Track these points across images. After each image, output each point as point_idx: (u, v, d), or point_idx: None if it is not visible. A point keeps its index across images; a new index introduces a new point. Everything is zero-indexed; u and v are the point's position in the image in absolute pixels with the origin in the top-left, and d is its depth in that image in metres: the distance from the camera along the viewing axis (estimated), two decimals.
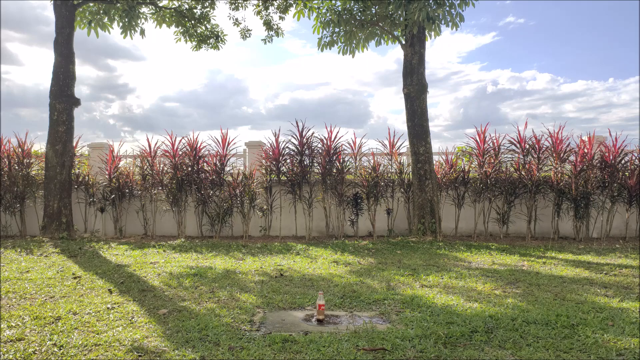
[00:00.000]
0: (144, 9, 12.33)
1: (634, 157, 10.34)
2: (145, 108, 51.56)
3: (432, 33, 10.41)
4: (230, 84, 54.35)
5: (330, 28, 11.15)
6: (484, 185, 10.42)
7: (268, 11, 12.78)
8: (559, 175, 10.15)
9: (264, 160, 10.82)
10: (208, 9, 12.65)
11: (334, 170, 10.58)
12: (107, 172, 11.12)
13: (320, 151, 10.67)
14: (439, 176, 10.76)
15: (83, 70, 62.26)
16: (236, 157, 11.73)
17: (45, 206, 10.53)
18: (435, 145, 13.96)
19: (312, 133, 10.67)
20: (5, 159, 10.97)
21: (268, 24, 12.97)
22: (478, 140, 10.74)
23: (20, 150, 11.13)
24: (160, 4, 12.36)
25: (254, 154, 11.52)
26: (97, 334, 4.13)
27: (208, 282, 6.09)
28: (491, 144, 10.75)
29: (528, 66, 50.05)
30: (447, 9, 9.73)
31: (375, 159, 10.98)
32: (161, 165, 11.09)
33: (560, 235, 10.61)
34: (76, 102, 10.87)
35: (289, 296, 5.42)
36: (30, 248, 8.86)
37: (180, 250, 8.74)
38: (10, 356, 3.63)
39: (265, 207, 10.74)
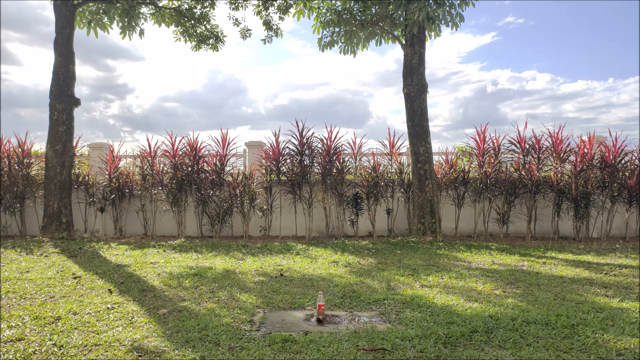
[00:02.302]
0: (144, 9, 12.33)
1: (634, 157, 10.34)
2: (144, 108, 51.60)
3: (432, 33, 10.42)
4: (230, 84, 54.41)
5: (331, 28, 11.15)
6: (484, 185, 10.42)
7: (268, 11, 12.79)
8: (559, 175, 10.15)
9: (264, 160, 10.82)
10: (208, 9, 12.65)
11: (334, 170, 10.58)
12: (107, 172, 11.13)
13: (320, 151, 10.66)
14: (439, 176, 10.76)
15: (83, 70, 62.38)
16: (236, 157, 11.73)
17: (45, 206, 10.53)
18: (435, 145, 13.97)
19: (312, 133, 10.69)
20: (5, 159, 10.97)
21: (268, 24, 12.98)
22: (478, 140, 10.74)
23: (20, 150, 11.13)
24: (160, 4, 12.36)
25: (254, 154, 11.52)
26: (97, 334, 4.13)
27: (208, 282, 6.09)
28: (491, 144, 10.75)
29: (528, 66, 50.10)
30: (447, 9, 9.73)
31: (375, 159, 10.98)
32: (161, 165, 11.09)
33: (560, 235, 10.61)
34: (76, 102, 10.87)
35: (289, 296, 5.42)
36: (30, 248, 8.86)
37: (180, 250, 8.74)
38: (10, 356, 3.63)
39: (265, 207, 10.74)
